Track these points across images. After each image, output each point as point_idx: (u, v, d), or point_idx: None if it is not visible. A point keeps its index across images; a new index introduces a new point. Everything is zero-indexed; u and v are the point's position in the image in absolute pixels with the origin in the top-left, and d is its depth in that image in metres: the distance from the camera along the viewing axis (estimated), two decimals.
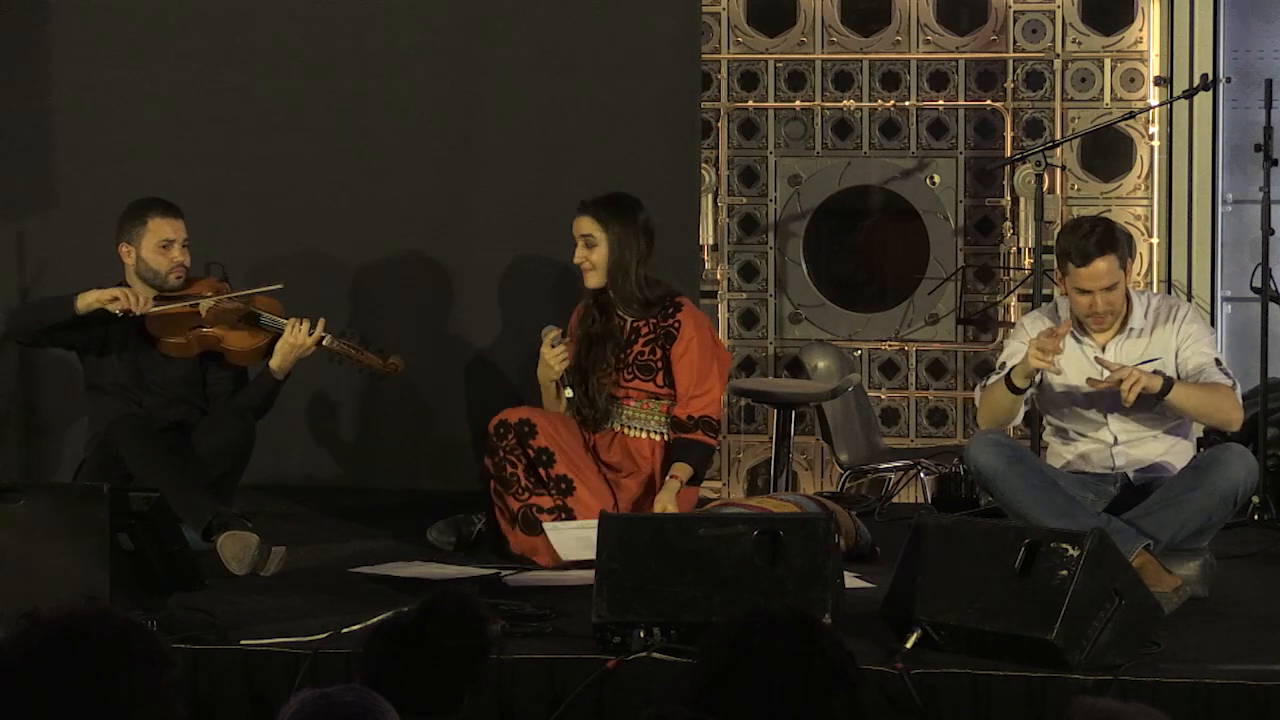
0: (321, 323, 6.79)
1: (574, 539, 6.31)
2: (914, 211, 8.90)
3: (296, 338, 6.76)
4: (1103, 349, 6.23)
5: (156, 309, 6.73)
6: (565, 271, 7.79)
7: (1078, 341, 6.26)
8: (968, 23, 8.85)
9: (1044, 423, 6.47)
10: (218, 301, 6.82)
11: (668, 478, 6.60)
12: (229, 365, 6.91)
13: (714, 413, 6.68)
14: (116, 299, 6.62)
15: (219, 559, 6.21)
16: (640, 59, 7.89)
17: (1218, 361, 6.17)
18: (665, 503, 6.53)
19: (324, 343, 6.81)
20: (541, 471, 6.55)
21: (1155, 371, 6.04)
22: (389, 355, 6.97)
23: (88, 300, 6.63)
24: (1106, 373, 6.04)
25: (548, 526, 6.41)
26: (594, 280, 6.69)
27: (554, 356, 6.67)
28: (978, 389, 6.37)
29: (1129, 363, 6.15)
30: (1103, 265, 6.09)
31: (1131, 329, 6.22)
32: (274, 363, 6.79)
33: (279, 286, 6.90)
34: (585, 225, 6.68)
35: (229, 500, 6.62)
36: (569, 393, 6.67)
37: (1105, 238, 6.12)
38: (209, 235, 7.27)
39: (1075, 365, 6.24)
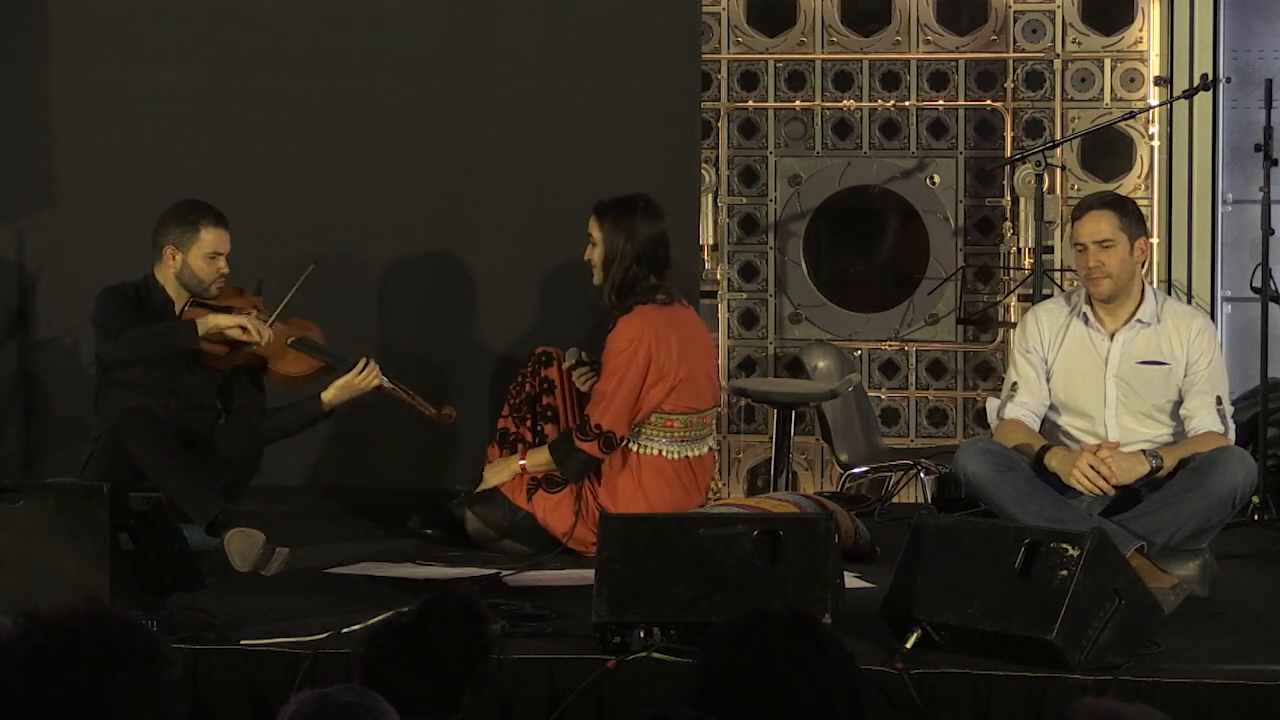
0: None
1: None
2: (914, 211, 8.91)
3: (364, 380, 6.79)
4: (1111, 337, 6.24)
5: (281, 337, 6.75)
6: (566, 271, 7.79)
7: (1085, 326, 6.27)
8: (968, 23, 8.85)
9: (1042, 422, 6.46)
10: (272, 324, 6.77)
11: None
12: (255, 381, 6.91)
13: (598, 419, 6.62)
14: (245, 329, 6.61)
15: (222, 556, 6.21)
16: (640, 59, 7.88)
17: (1219, 400, 6.18)
18: (486, 475, 6.75)
19: (381, 385, 6.84)
20: (541, 399, 6.83)
21: (1141, 451, 6.08)
22: (443, 406, 6.97)
23: (208, 325, 6.63)
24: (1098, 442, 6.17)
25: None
26: (595, 278, 6.78)
27: (578, 377, 6.81)
28: (991, 412, 6.36)
29: (1136, 357, 6.20)
30: (1100, 218, 6.18)
31: (1140, 321, 6.24)
32: (329, 395, 6.83)
33: (313, 267, 6.87)
34: (590, 225, 6.80)
35: (234, 502, 6.62)
36: None
37: (1109, 196, 6.36)
38: None
39: (1081, 353, 6.25)
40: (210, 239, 6.80)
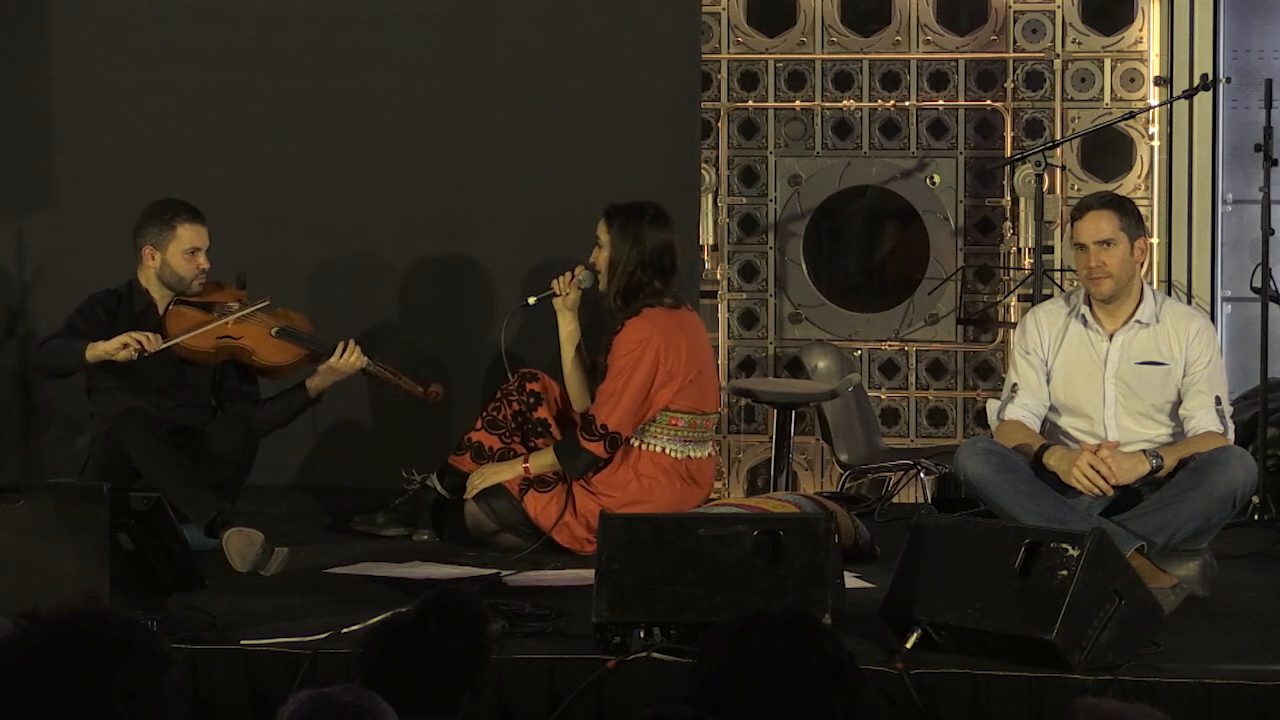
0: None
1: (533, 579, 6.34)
2: (914, 211, 8.91)
3: (346, 363, 6.81)
4: (1110, 337, 6.24)
5: (185, 334, 6.73)
6: (565, 271, 7.78)
7: (1084, 327, 6.27)
8: (968, 23, 8.85)
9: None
10: (249, 314, 6.81)
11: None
12: (249, 375, 6.92)
13: (604, 419, 6.67)
14: (126, 345, 6.61)
15: (221, 557, 6.21)
16: (640, 59, 7.89)
17: (1218, 400, 6.18)
18: (484, 473, 6.78)
19: (365, 367, 6.87)
20: (531, 415, 6.90)
21: (1141, 451, 6.08)
22: (429, 383, 6.99)
23: (95, 353, 6.63)
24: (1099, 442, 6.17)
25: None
26: (601, 283, 6.84)
27: (566, 284, 6.91)
28: (992, 414, 6.36)
29: (1135, 358, 6.19)
30: (1100, 218, 6.19)
31: (1140, 321, 6.24)
32: (313, 382, 6.89)
33: (266, 302, 6.91)
34: (599, 227, 6.86)
35: (232, 502, 6.62)
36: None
37: (1109, 196, 6.38)
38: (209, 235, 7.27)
39: (1080, 354, 6.25)
40: (188, 235, 6.82)
